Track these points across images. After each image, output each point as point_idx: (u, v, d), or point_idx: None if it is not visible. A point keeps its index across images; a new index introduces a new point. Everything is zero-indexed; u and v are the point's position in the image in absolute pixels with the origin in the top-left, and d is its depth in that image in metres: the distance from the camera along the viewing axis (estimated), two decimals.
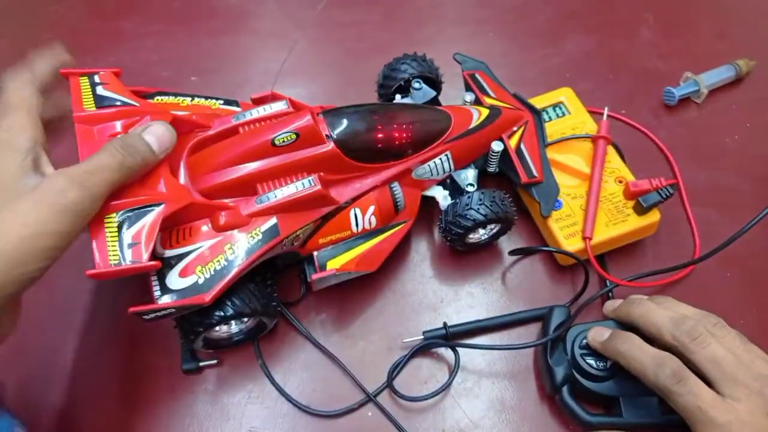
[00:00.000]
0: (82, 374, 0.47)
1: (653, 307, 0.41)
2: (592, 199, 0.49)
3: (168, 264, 0.39)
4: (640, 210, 0.49)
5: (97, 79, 0.43)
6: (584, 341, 0.44)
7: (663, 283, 0.50)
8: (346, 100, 0.47)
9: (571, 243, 0.48)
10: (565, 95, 0.57)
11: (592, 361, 0.43)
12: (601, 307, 0.48)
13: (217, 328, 0.43)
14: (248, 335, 0.46)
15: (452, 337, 0.48)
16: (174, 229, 0.40)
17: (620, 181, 0.51)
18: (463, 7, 0.70)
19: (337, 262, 0.45)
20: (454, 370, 0.46)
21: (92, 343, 0.48)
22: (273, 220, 0.41)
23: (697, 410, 0.36)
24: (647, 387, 0.39)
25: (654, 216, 0.49)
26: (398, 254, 0.52)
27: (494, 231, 0.50)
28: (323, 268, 0.45)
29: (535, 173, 0.49)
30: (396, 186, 0.46)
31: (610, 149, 0.53)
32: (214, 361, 0.47)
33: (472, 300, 0.50)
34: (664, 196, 0.48)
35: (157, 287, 0.39)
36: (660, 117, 0.60)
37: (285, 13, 0.69)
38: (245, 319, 0.45)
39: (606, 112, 0.54)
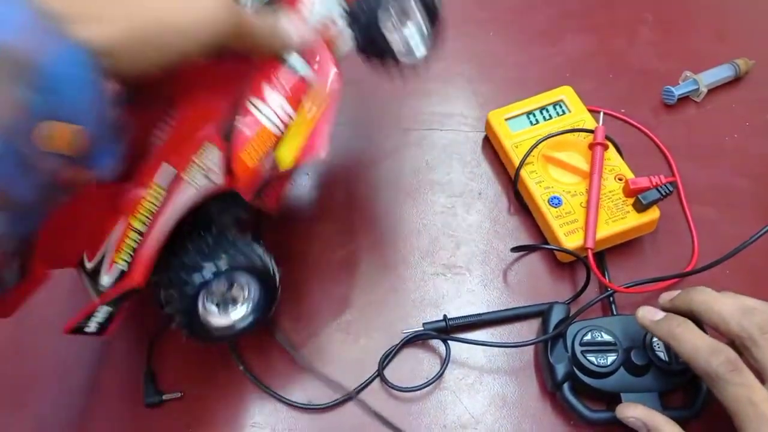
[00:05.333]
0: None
1: (717, 296, 0.40)
2: (592, 207, 0.49)
3: (96, 272, 0.37)
4: (640, 207, 0.49)
5: None
6: (585, 338, 0.44)
7: (663, 286, 0.49)
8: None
9: (571, 240, 0.48)
10: (565, 94, 0.57)
11: (592, 358, 0.43)
12: (600, 308, 0.49)
13: (217, 310, 0.40)
14: (256, 317, 0.42)
15: (452, 329, 0.48)
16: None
17: (620, 179, 0.51)
18: (463, 7, 0.70)
19: (288, 155, 0.38)
20: (444, 362, 0.47)
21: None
22: (166, 167, 0.36)
23: (748, 403, 0.35)
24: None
25: (653, 213, 0.50)
26: (399, 252, 0.52)
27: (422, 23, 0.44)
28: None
29: None
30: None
31: (610, 147, 0.53)
32: (179, 395, 0.46)
33: (473, 297, 0.50)
34: (664, 193, 0.49)
35: (94, 294, 0.37)
36: (659, 116, 0.60)
37: None
38: (249, 293, 0.41)
39: (602, 117, 0.54)
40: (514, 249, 0.52)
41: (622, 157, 0.53)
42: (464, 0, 0.71)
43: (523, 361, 0.47)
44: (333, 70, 0.39)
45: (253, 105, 0.37)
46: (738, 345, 0.38)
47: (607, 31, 0.67)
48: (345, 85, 0.40)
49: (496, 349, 0.48)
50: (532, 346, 0.48)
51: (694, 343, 0.38)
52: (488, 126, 0.57)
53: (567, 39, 0.66)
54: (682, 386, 0.43)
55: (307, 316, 0.49)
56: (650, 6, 0.68)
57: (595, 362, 0.43)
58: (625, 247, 0.51)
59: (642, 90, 0.62)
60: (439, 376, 0.46)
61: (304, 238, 0.53)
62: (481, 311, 0.49)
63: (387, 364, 0.47)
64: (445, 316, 0.48)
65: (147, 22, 0.30)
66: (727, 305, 0.39)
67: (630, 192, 0.50)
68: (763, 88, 0.62)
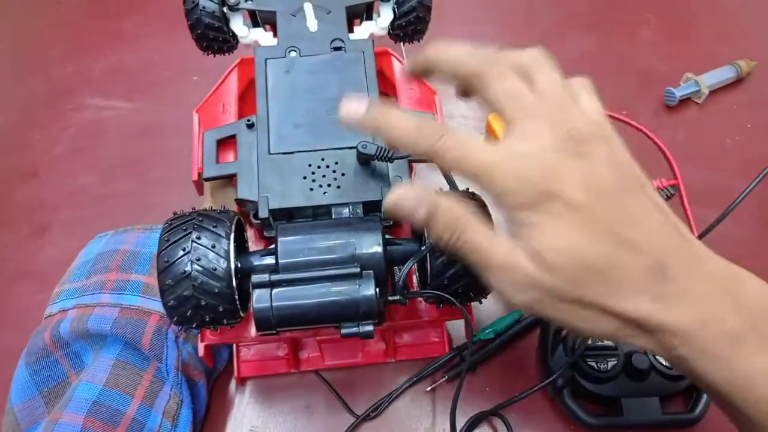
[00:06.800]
0: None
1: (451, 41, 0.33)
2: None
3: None
4: None
5: None
6: (586, 342, 0.44)
7: None
8: None
9: None
10: None
11: (593, 363, 0.43)
12: None
13: None
14: None
15: (474, 366, 0.47)
16: None
17: None
18: (463, 6, 0.70)
19: None
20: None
21: None
22: None
23: (462, 160, 0.29)
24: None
25: None
26: None
27: None
28: None
29: None
30: None
31: None
32: None
33: None
34: (665, 196, 0.48)
35: None
36: (661, 117, 0.60)
37: None
38: None
39: None
40: None
41: None
42: (464, 0, 0.70)
43: (523, 366, 0.47)
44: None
45: None
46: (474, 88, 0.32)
47: (608, 32, 0.66)
48: None
49: (496, 354, 0.48)
50: (533, 352, 0.48)
51: (403, 125, 0.31)
52: (489, 128, 0.57)
53: (568, 40, 0.66)
54: (682, 391, 0.43)
55: None
56: (652, 7, 0.68)
57: (596, 367, 0.43)
58: None
59: (643, 91, 0.62)
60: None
61: None
62: (479, 316, 0.49)
63: None
64: (462, 355, 0.46)
65: None
66: (459, 49, 0.32)
67: None
68: (765, 89, 0.62)
